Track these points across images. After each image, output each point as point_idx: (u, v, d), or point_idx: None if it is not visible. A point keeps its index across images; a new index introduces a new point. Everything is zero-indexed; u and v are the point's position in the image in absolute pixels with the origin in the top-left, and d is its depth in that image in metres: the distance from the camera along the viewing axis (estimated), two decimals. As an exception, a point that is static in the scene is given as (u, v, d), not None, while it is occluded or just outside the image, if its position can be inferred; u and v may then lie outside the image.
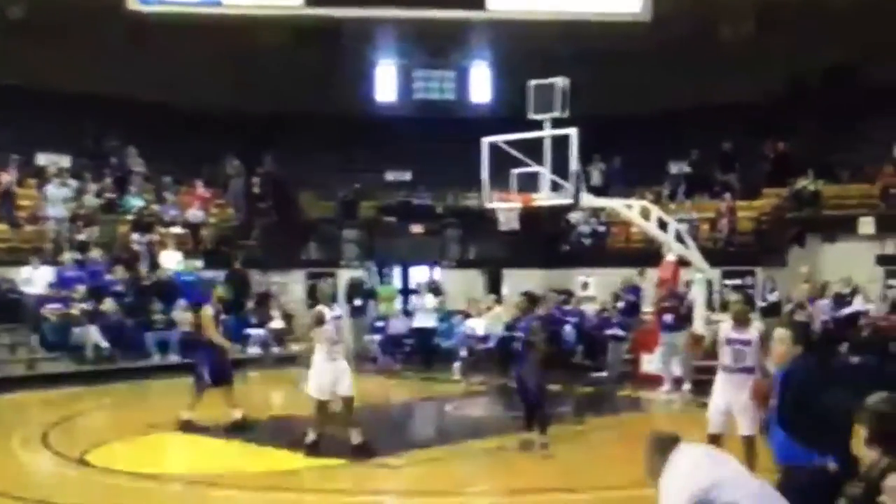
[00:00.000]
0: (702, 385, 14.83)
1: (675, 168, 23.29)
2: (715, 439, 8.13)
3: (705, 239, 19.32)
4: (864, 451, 4.13)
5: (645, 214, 15.77)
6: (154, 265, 19.65)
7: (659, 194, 21.50)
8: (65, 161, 21.88)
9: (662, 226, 15.80)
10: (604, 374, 16.80)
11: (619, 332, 16.83)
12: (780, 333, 5.68)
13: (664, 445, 4.62)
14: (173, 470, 10.27)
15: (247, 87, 23.28)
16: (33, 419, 12.87)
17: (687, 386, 15.25)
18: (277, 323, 19.40)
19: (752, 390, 7.65)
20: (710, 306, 16.00)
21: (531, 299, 11.35)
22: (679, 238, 15.72)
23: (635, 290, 17.98)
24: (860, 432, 4.19)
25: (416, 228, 22.62)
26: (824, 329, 15.40)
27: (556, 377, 16.69)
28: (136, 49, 21.16)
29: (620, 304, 17.58)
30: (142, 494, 8.85)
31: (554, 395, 15.71)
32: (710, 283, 16.36)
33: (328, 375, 9.99)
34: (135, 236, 20.25)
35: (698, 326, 15.11)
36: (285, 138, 24.32)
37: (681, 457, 4.51)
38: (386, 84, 26.91)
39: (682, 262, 16.16)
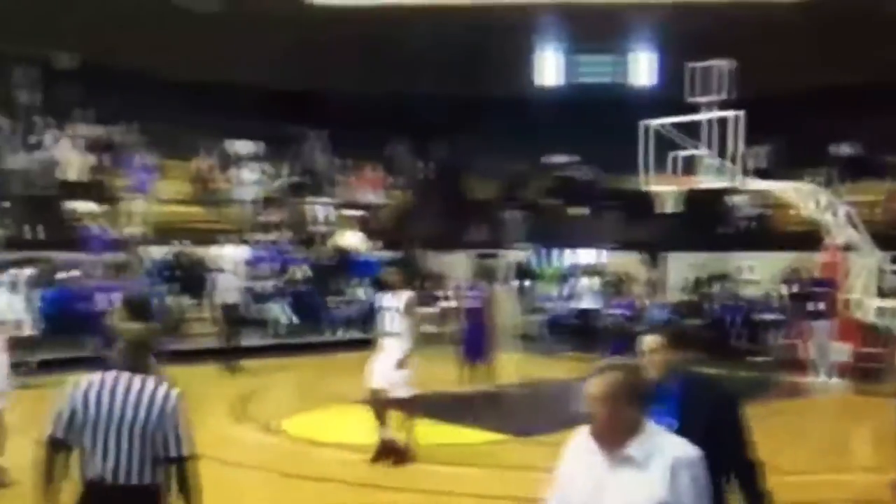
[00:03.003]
0: (866, 373, 14.42)
1: (840, 149, 22.29)
2: None
3: (869, 222, 18.46)
4: None
5: (809, 197, 15.28)
6: (335, 245, 20.47)
7: (826, 176, 20.63)
8: (255, 148, 23.09)
9: (826, 208, 15.26)
10: (765, 358, 16.44)
11: (780, 317, 16.39)
12: (650, 340, 4.14)
13: None
14: (358, 440, 10.74)
15: (416, 74, 23.76)
16: (231, 389, 13.57)
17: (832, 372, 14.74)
18: (448, 302, 19.86)
19: None
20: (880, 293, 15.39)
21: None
22: (850, 221, 15.13)
23: (803, 274, 17.46)
24: None
25: (579, 211, 22.58)
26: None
27: (717, 361, 16.56)
28: (314, 41, 21.78)
29: (792, 289, 17.10)
30: (332, 463, 9.16)
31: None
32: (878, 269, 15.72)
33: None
34: (318, 218, 21.18)
35: (867, 313, 14.60)
36: (452, 123, 24.68)
37: None
38: (548, 69, 26.93)
39: (847, 247, 15.55)
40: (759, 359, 16.47)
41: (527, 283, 19.87)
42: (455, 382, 13.25)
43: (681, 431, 3.52)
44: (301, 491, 8.53)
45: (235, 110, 22.22)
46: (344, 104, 23.50)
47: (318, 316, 18.58)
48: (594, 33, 25.07)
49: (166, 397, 4.23)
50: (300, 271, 18.71)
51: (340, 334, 18.43)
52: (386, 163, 24.66)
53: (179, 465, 4.24)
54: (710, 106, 14.42)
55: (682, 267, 20.23)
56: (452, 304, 17.73)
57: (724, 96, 14.21)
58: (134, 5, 19.35)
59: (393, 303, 9.01)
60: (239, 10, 20.47)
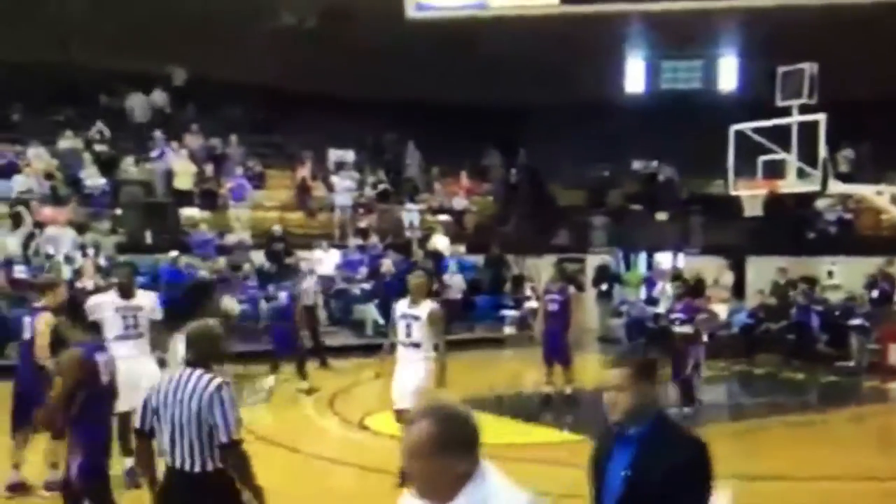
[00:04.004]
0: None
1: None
2: None
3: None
4: None
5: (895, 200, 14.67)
6: (425, 249, 20.56)
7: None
8: (351, 155, 23.38)
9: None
10: (849, 363, 15.78)
11: (864, 323, 15.72)
12: (616, 373, 3.32)
13: None
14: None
15: (504, 82, 23.66)
16: (322, 386, 13.67)
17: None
18: (531, 303, 19.75)
19: None
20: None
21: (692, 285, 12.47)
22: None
23: (889, 279, 16.73)
24: None
25: (661, 216, 22.16)
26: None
27: (800, 366, 16.00)
28: (406, 53, 21.76)
29: (873, 293, 16.40)
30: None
31: (797, 383, 15.08)
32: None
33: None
34: (407, 223, 21.33)
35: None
36: (538, 130, 24.51)
37: None
38: (634, 76, 26.49)
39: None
40: (844, 364, 15.82)
41: (609, 286, 19.56)
42: (535, 383, 13.12)
43: (634, 485, 3.28)
44: (382, 485, 8.59)
45: (333, 120, 22.55)
46: (434, 113, 23.58)
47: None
48: (679, 39, 24.54)
49: (206, 387, 4.39)
50: (388, 273, 18.85)
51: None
52: (473, 169, 24.64)
53: (226, 451, 4.40)
54: (796, 110, 13.97)
55: (764, 270, 19.60)
56: (535, 305, 17.63)
57: (812, 100, 13.75)
58: (236, 22, 19.81)
59: (412, 311, 8.05)
60: (336, 24, 20.73)
